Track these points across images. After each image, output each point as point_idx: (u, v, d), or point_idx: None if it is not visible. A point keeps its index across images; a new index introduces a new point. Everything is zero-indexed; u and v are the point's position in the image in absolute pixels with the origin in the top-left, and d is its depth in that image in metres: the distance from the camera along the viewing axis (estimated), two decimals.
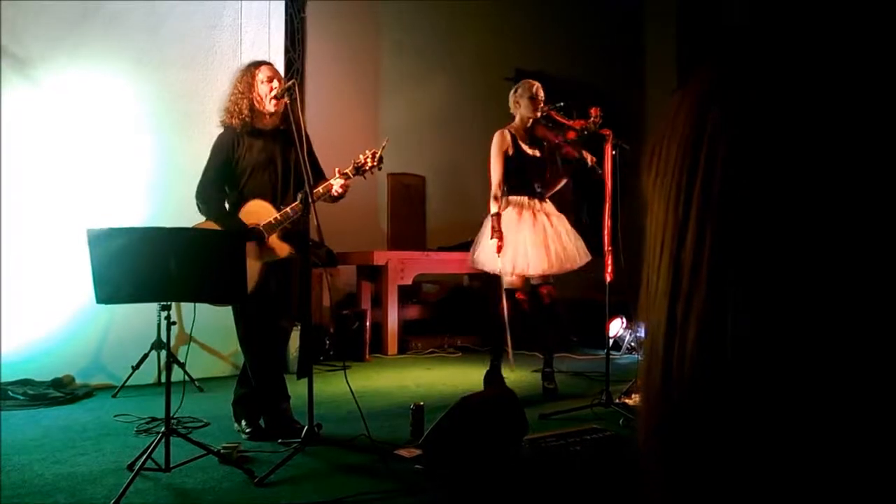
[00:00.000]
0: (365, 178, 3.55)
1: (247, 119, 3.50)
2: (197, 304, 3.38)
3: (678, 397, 0.47)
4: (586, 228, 4.68)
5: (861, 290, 0.44)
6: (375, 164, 3.47)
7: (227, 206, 3.58)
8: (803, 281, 0.44)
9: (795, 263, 0.44)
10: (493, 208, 4.47)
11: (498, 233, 4.35)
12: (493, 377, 4.63)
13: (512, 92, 4.71)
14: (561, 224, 4.56)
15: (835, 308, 0.44)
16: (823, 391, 0.44)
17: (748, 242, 0.45)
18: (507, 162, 4.53)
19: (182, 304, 4.61)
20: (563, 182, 4.67)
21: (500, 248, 4.34)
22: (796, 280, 0.44)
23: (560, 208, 4.71)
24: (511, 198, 4.53)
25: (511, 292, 4.54)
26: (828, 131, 0.46)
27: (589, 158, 4.43)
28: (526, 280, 4.56)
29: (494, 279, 4.70)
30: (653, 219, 0.52)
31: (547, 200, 4.64)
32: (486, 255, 4.53)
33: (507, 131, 4.60)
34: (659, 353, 0.48)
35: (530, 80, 4.66)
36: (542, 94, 4.57)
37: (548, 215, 4.55)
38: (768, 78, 0.49)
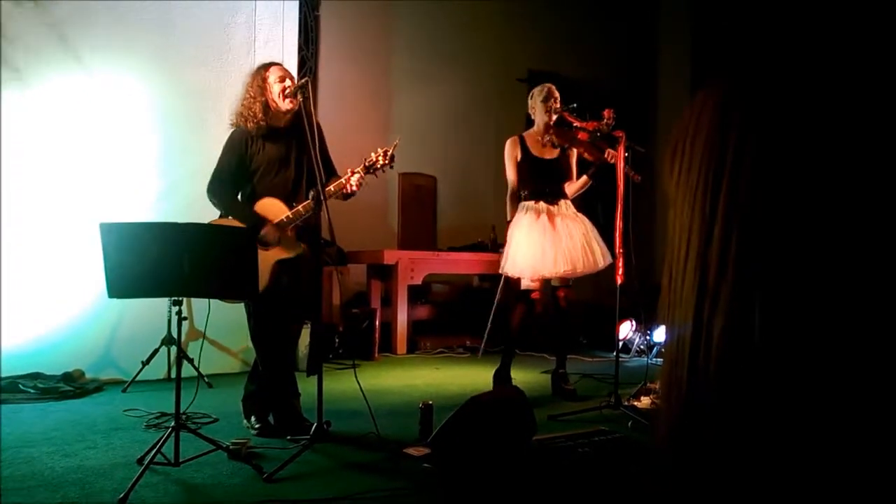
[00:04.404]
0: (377, 176, 3.55)
1: (261, 122, 3.50)
2: (208, 300, 3.39)
3: (704, 391, 0.47)
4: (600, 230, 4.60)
5: (890, 286, 0.43)
6: (387, 162, 3.46)
7: (239, 199, 3.60)
8: (831, 276, 0.44)
9: (823, 259, 0.44)
10: (509, 215, 4.56)
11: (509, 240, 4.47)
12: (502, 376, 4.63)
13: (529, 97, 4.70)
14: (572, 227, 4.46)
15: (864, 302, 0.44)
16: (850, 385, 0.44)
17: (775, 239, 0.45)
18: (519, 168, 4.55)
19: (193, 299, 4.63)
20: (585, 183, 4.57)
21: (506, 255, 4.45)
22: (824, 275, 0.44)
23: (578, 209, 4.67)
24: (525, 203, 4.53)
25: (523, 293, 4.55)
26: (855, 130, 0.45)
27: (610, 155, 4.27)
28: (546, 282, 4.56)
29: (506, 281, 4.72)
30: (676, 218, 0.52)
31: (564, 203, 4.55)
32: (508, 262, 4.54)
33: (517, 138, 4.62)
34: (685, 349, 0.48)
35: (545, 84, 4.64)
36: (556, 94, 4.54)
37: (561, 218, 4.47)
38: (794, 80, 0.49)
